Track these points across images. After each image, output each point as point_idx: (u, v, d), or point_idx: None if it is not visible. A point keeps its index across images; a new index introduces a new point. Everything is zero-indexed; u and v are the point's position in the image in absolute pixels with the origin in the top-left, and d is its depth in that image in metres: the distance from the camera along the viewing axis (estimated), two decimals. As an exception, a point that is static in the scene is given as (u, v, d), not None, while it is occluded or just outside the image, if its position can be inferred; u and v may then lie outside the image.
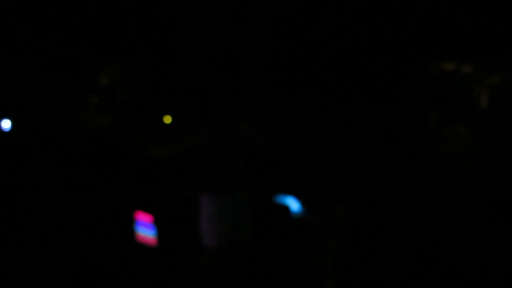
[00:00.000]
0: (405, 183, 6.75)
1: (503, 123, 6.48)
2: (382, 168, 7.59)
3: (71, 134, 8.85)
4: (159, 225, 4.27)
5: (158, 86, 9.23)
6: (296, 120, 7.93)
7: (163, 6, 7.94)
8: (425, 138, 7.67)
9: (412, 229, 4.77)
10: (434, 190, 6.30)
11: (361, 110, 7.98)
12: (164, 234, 4.10)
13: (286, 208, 3.07)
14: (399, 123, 7.76)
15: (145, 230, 3.20)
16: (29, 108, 8.90)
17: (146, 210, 4.27)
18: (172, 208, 4.72)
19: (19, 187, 6.23)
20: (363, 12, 7.38)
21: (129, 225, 4.50)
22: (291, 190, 3.32)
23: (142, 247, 3.77)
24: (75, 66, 9.14)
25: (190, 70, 8.48)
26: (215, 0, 7.72)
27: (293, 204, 3.08)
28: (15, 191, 5.98)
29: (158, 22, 8.33)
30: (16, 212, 4.93)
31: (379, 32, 7.41)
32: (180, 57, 8.78)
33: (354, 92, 7.94)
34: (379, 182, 6.93)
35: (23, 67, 8.89)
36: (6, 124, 9.01)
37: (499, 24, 6.27)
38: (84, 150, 8.21)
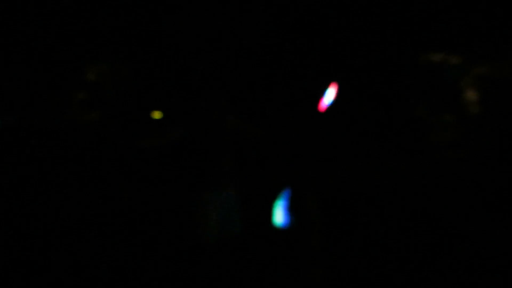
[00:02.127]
0: (395, 173, 6.82)
1: (491, 112, 6.54)
2: (371, 158, 7.64)
3: (59, 131, 8.77)
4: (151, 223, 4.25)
5: (147, 81, 9.16)
6: (284, 112, 7.92)
7: (151, 0, 7.87)
8: (414, 128, 7.72)
9: (401, 218, 4.81)
10: (423, 178, 6.37)
11: (350, 102, 8.00)
12: (156, 231, 4.09)
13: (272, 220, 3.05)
14: (388, 114, 7.80)
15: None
16: (15, 106, 8.79)
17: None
18: (164, 205, 4.72)
19: (6, 187, 6.17)
20: (350, 3, 7.38)
21: (122, 223, 4.48)
22: (278, 183, 3.31)
23: (133, 245, 3.75)
24: (61, 62, 9.04)
25: (179, 63, 8.43)
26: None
27: (278, 216, 3.08)
28: (2, 191, 5.92)
29: (146, 16, 8.26)
30: (2, 212, 4.89)
31: (366, 24, 7.41)
32: (169, 51, 8.72)
33: (342, 84, 7.95)
34: (368, 172, 6.99)
35: (7, 64, 8.77)
36: (-7, 122, 8.89)
37: (486, 15, 6.30)
38: (73, 147, 8.14)
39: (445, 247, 4.06)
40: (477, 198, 5.45)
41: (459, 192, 5.66)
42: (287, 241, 3.24)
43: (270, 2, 7.46)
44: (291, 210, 3.12)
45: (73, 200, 5.55)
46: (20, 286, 3.14)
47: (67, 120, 9.55)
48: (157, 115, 9.68)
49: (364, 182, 6.49)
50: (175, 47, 8.47)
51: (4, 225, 4.48)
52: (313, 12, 7.42)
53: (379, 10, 7.31)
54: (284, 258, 3.21)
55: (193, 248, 2.90)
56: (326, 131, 8.49)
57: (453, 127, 7.12)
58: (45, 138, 8.48)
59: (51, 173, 6.95)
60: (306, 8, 7.40)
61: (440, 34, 7.01)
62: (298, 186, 3.66)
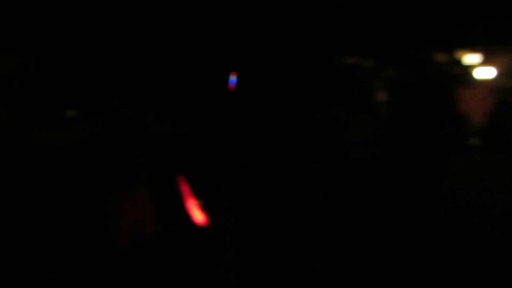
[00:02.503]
0: (312, 170, 7.03)
1: (400, 112, 6.92)
2: (289, 156, 7.82)
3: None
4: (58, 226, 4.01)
5: (58, 76, 8.69)
6: (202, 111, 7.86)
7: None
8: (330, 128, 8.02)
9: (317, 214, 4.95)
10: (339, 175, 6.62)
11: (269, 103, 8.13)
12: (66, 234, 3.87)
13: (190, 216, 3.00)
14: (305, 115, 8.02)
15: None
16: None
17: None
18: (72, 206, 4.48)
19: None
20: (272, 7, 7.50)
21: (28, 225, 4.19)
22: (193, 186, 3.26)
23: (38, 250, 3.51)
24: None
25: (93, 59, 8.08)
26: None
27: (197, 213, 3.04)
28: None
29: (60, 8, 7.83)
30: None
31: (284, 27, 7.57)
32: (84, 46, 8.33)
33: (262, 85, 8.07)
34: (286, 170, 7.14)
35: None
36: None
37: (396, 21, 6.68)
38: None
39: (357, 239, 4.22)
40: (387, 193, 5.76)
41: (371, 188, 5.95)
42: (203, 241, 3.18)
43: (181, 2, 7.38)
44: (207, 209, 3.08)
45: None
46: None
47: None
48: (69, 112, 9.19)
49: (281, 179, 6.61)
50: (91, 42, 8.11)
51: None
52: (230, 11, 7.44)
53: (296, 14, 7.50)
54: (200, 259, 3.15)
55: (105, 252, 2.77)
56: (244, 131, 8.58)
57: (365, 126, 7.50)
58: None
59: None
60: (223, 7, 7.42)
61: (354, 39, 7.33)
62: (213, 185, 3.62)
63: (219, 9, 7.39)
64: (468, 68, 11.07)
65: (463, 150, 9.56)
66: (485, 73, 11.77)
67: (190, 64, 7.59)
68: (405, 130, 6.20)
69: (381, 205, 5.51)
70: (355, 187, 6.23)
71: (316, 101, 8.29)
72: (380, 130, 6.98)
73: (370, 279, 3.34)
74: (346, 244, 4.12)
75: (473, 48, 10.32)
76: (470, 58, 10.82)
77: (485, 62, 11.31)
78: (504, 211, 5.38)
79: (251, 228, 4.21)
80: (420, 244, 4.12)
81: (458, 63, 10.49)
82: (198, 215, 3.06)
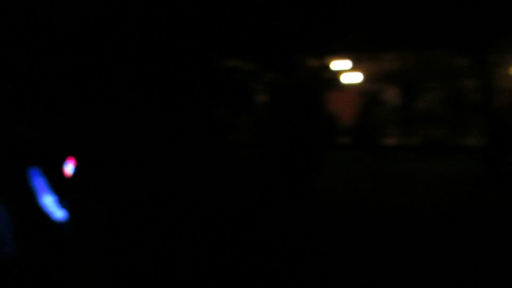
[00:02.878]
0: (195, 173, 7.03)
1: (277, 114, 7.22)
2: (173, 161, 7.72)
3: None
4: None
5: None
6: (77, 116, 7.38)
7: None
8: (212, 129, 8.10)
9: (191, 216, 4.94)
10: (222, 176, 6.72)
11: (149, 104, 7.95)
12: None
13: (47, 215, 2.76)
14: (187, 116, 7.99)
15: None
16: None
17: None
18: None
19: None
20: (156, 9, 7.34)
21: None
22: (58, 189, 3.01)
23: None
24: None
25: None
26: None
27: (56, 210, 2.80)
28: None
29: None
30: None
31: (165, 28, 7.47)
32: None
33: (143, 87, 7.86)
34: (164, 172, 7.03)
35: None
36: None
37: (272, 27, 6.97)
38: None
39: (237, 237, 4.32)
40: (267, 191, 5.99)
41: (252, 187, 6.14)
42: (65, 242, 2.95)
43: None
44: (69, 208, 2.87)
45: None
46: None
47: None
48: None
49: (161, 180, 6.51)
50: None
51: None
52: (109, 9, 7.12)
53: (178, 15, 7.45)
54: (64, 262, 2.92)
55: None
56: (119, 131, 8.24)
57: (246, 127, 7.70)
58: None
59: None
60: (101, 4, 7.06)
61: (235, 42, 7.50)
62: (82, 191, 3.40)
63: (97, 6, 7.01)
64: (337, 73, 11.99)
65: (333, 148, 10.27)
66: (352, 78, 12.85)
67: (50, 62, 7.05)
68: (282, 130, 6.49)
69: (261, 202, 5.71)
70: (236, 187, 6.37)
71: (197, 103, 8.31)
72: (260, 131, 7.22)
73: (250, 276, 3.39)
74: (226, 243, 4.17)
75: (341, 55, 11.19)
76: (339, 64, 11.73)
77: (353, 68, 12.36)
78: (371, 203, 5.88)
79: (122, 228, 4.08)
80: (298, 238, 4.32)
81: (328, 68, 11.26)
82: (57, 213, 2.84)
